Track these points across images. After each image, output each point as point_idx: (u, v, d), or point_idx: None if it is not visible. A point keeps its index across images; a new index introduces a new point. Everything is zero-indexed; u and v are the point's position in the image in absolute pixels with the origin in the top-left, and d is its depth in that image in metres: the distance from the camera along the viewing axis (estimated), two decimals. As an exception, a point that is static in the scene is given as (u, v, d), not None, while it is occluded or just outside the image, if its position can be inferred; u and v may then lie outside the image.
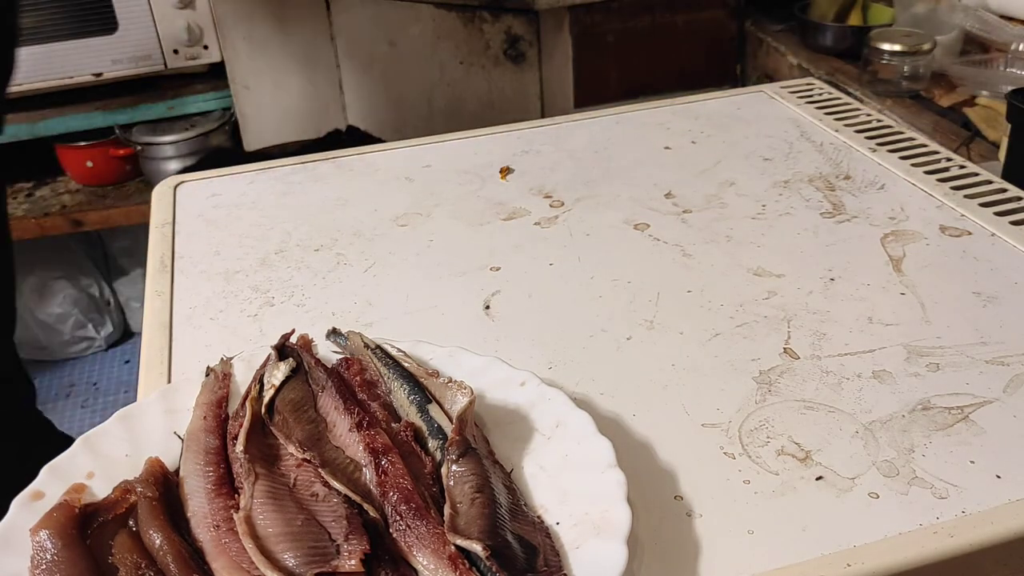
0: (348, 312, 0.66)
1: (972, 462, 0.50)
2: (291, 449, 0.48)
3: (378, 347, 0.56)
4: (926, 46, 1.29)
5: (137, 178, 1.92)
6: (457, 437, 0.48)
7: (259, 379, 0.53)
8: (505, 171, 0.86)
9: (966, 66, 1.32)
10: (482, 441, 0.50)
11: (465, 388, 0.51)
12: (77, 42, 1.73)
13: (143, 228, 0.82)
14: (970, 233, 0.72)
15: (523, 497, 0.47)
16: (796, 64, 1.47)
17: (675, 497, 0.49)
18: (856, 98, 1.27)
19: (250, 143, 1.84)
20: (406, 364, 0.54)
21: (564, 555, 0.44)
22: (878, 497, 0.48)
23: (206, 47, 1.78)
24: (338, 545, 0.42)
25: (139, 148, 1.86)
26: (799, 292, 0.66)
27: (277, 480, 0.46)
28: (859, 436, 0.53)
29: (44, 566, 0.42)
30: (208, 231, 0.78)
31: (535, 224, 0.77)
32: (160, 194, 0.85)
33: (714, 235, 0.74)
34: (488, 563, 0.41)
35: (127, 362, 2.13)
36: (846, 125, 0.91)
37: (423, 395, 0.52)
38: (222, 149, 1.86)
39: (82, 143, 1.86)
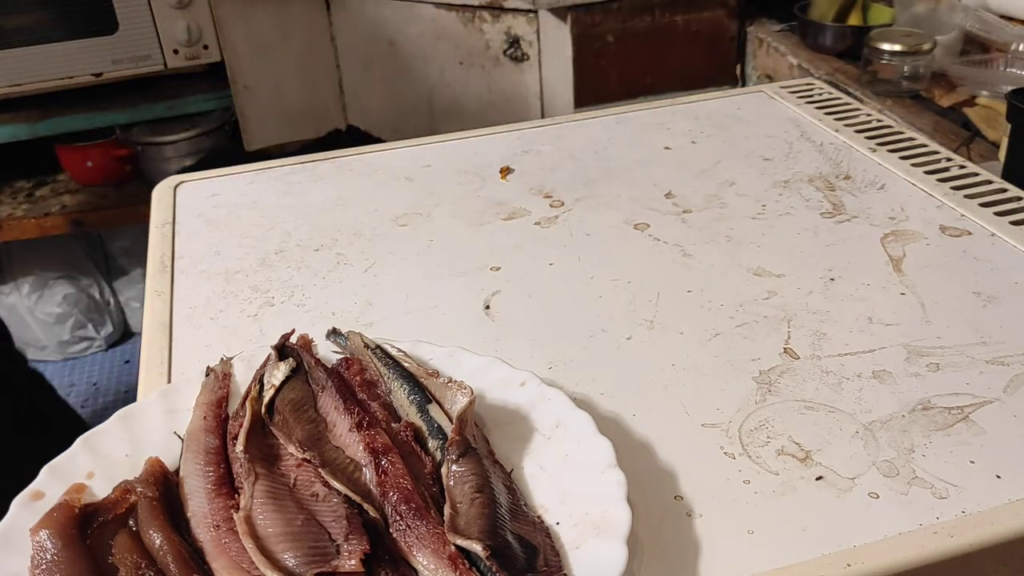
0: (348, 312, 0.66)
1: (972, 462, 0.50)
2: (291, 449, 0.48)
3: (378, 347, 0.56)
4: (926, 46, 1.29)
5: (137, 178, 1.92)
6: (457, 437, 0.48)
7: (259, 379, 0.53)
8: (505, 171, 0.86)
9: (966, 66, 1.32)
10: (482, 441, 0.50)
11: (465, 388, 0.51)
12: (77, 42, 1.73)
13: (143, 228, 0.82)
14: (970, 233, 0.72)
15: (523, 497, 0.47)
16: (796, 64, 1.47)
17: (675, 497, 0.49)
18: (856, 98, 1.27)
19: (250, 143, 1.84)
20: (406, 364, 0.54)
21: (564, 555, 0.44)
22: (878, 497, 0.48)
23: (206, 47, 1.78)
24: (338, 545, 0.42)
25: (139, 148, 1.86)
26: (799, 292, 0.66)
27: (277, 480, 0.46)
28: (859, 436, 0.53)
29: (44, 566, 0.42)
30: (208, 231, 0.78)
31: (535, 224, 0.77)
32: (160, 194, 0.85)
33: (714, 235, 0.74)
34: (488, 563, 0.41)
35: (127, 362, 2.13)
36: (846, 125, 0.91)
37: (423, 395, 0.52)
38: (222, 149, 1.86)
39: (82, 143, 1.86)
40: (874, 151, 0.86)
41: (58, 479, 0.48)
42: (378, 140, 1.79)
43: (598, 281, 0.69)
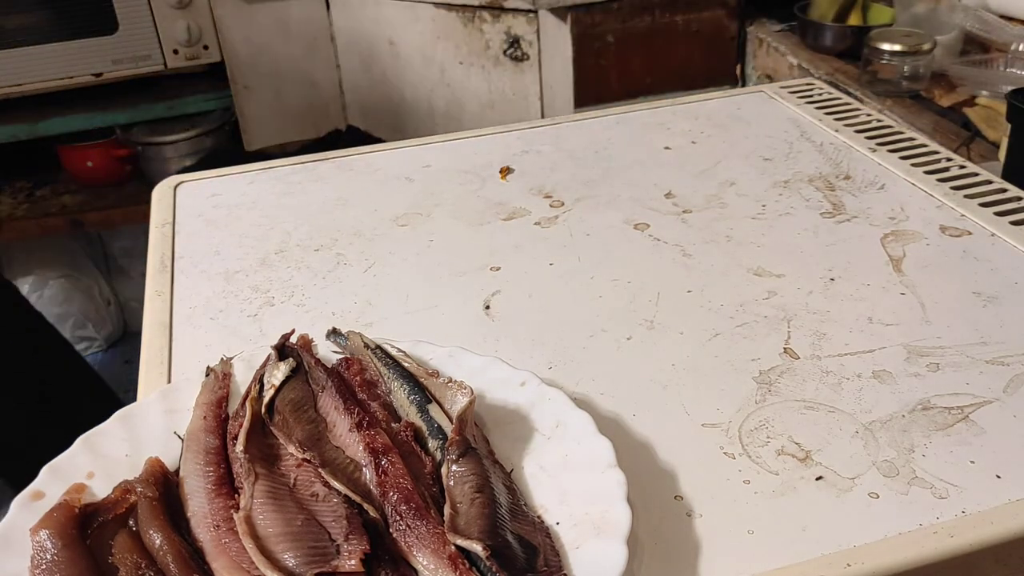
0: (348, 312, 0.66)
1: (972, 462, 0.50)
2: (291, 449, 0.48)
3: (378, 347, 0.56)
4: (926, 46, 1.29)
5: (137, 178, 1.92)
6: (457, 437, 0.48)
7: (259, 379, 0.53)
8: (505, 171, 0.86)
9: (966, 66, 1.32)
10: (482, 441, 0.50)
11: (465, 388, 0.51)
12: (77, 42, 1.73)
13: (143, 228, 0.82)
14: (970, 233, 0.72)
15: (523, 497, 0.47)
16: (796, 64, 1.47)
17: (675, 497, 0.49)
18: (856, 98, 1.27)
19: (250, 143, 1.84)
20: (406, 364, 0.54)
21: (564, 555, 0.44)
22: (878, 497, 0.48)
23: (206, 47, 1.78)
24: (338, 545, 0.42)
25: (139, 148, 1.86)
26: (799, 292, 0.66)
27: (277, 480, 0.46)
28: (859, 436, 0.53)
29: (44, 566, 0.42)
30: (208, 231, 0.78)
31: (535, 224, 0.77)
32: (160, 194, 0.85)
33: (714, 235, 0.74)
34: (488, 563, 0.41)
35: (127, 362, 2.13)
36: (846, 125, 0.91)
37: (423, 395, 0.52)
38: (222, 149, 1.86)
39: (82, 143, 1.86)
40: (874, 151, 0.86)
41: (58, 479, 0.48)
42: (378, 140, 1.79)
43: (598, 281, 0.69)
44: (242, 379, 0.55)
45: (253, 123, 1.83)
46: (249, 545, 0.42)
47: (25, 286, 2.05)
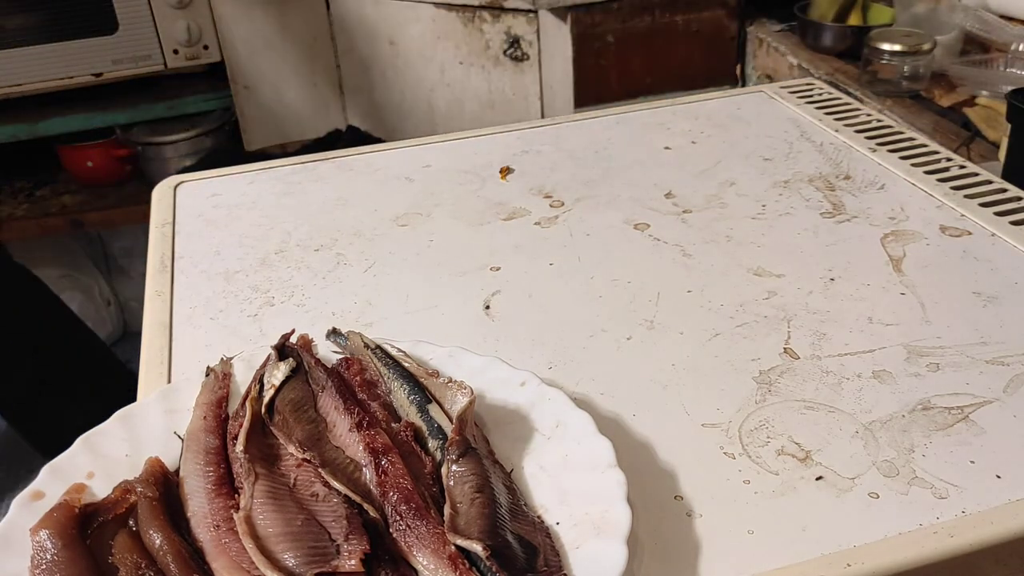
0: (348, 312, 0.66)
1: (972, 462, 0.50)
2: (291, 449, 0.48)
3: (378, 347, 0.56)
4: (926, 46, 1.29)
5: (137, 178, 1.92)
6: (457, 437, 0.48)
7: (259, 379, 0.53)
8: (505, 171, 0.86)
9: (966, 66, 1.32)
10: (482, 441, 0.50)
11: (465, 388, 0.51)
12: (77, 42, 1.73)
13: (143, 228, 0.82)
14: (970, 233, 0.72)
15: (523, 497, 0.47)
16: (796, 64, 1.47)
17: (675, 497, 0.49)
18: (856, 98, 1.27)
19: (250, 143, 1.84)
20: (406, 364, 0.54)
21: (564, 555, 0.44)
22: (878, 497, 0.49)
23: (206, 47, 1.78)
24: (338, 545, 0.42)
25: (139, 148, 1.86)
26: (799, 292, 0.66)
27: (277, 480, 0.46)
28: (859, 436, 0.53)
29: (44, 566, 0.42)
30: (208, 231, 0.78)
31: (535, 224, 0.77)
32: (160, 194, 0.85)
33: (714, 235, 0.74)
34: (488, 563, 0.41)
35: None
36: (846, 125, 0.91)
37: (423, 395, 0.52)
38: (222, 149, 1.86)
39: (82, 143, 1.86)
40: (874, 151, 0.86)
41: (58, 479, 0.48)
42: (378, 140, 1.79)
43: (598, 281, 0.69)
44: (242, 379, 0.55)
45: (253, 123, 1.83)
46: (249, 545, 0.42)
47: (25, 286, 2.04)
